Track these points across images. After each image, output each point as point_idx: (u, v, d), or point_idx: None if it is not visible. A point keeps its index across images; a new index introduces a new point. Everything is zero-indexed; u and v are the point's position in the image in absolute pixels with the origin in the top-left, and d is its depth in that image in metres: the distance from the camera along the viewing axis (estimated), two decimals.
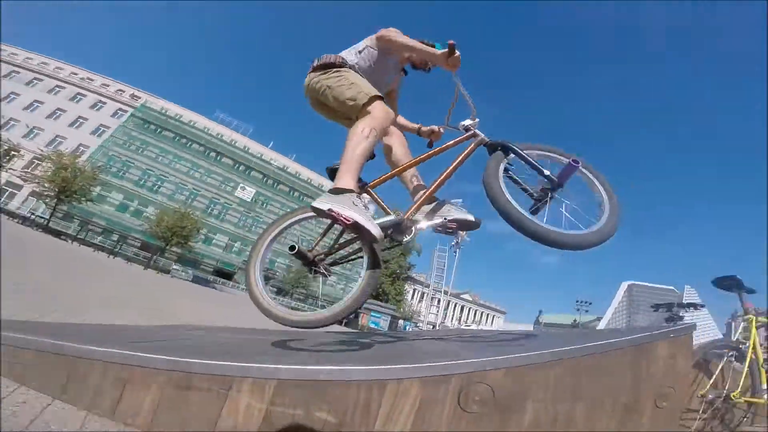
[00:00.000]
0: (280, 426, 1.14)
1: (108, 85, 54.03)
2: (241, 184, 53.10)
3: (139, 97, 54.03)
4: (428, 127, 2.53)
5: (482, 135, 2.01)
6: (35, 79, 49.06)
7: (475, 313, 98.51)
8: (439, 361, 1.24)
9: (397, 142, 2.39)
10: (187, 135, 51.34)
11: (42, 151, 32.05)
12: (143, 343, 1.73)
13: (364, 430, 1.15)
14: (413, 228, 1.84)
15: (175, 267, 35.90)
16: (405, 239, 1.86)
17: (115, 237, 38.64)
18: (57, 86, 49.81)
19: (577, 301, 62.78)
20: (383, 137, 2.34)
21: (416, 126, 2.59)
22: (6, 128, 42.38)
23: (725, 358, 2.85)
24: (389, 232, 1.80)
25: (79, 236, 30.64)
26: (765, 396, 2.78)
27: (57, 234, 29.44)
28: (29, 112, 46.69)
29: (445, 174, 1.95)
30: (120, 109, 51.54)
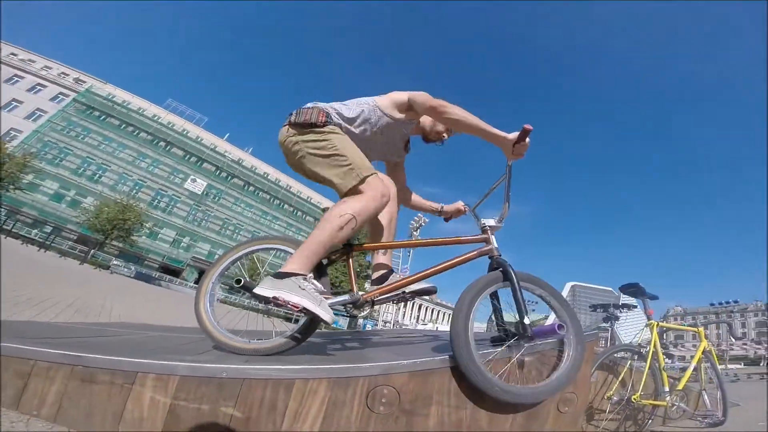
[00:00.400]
0: (186, 419, 1.17)
1: (50, 68, 49.48)
2: (192, 176, 50.77)
3: (84, 82, 50.10)
4: (453, 206, 2.30)
5: (494, 245, 1.75)
6: None
7: (432, 312, 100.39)
8: (346, 363, 1.29)
9: (386, 213, 2.06)
10: (134, 122, 48.45)
11: None
12: (51, 339, 1.71)
13: (271, 428, 1.18)
14: (372, 303, 1.71)
15: (115, 262, 33.66)
16: (361, 314, 1.77)
17: (48, 229, 35.60)
18: None
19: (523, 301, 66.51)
20: None
21: (437, 207, 2.33)
22: None
23: (629, 362, 3.02)
24: (346, 307, 1.68)
25: (5, 227, 27.90)
26: (667, 398, 2.91)
27: None
28: None
29: (433, 270, 1.72)
30: (61, 93, 47.29)
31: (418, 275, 1.75)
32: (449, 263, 1.72)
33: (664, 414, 3.18)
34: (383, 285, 1.76)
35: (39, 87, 46.79)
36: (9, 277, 5.69)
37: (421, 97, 1.85)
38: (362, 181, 1.68)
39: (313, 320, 1.62)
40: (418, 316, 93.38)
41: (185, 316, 8.02)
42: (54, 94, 47.11)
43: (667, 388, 2.96)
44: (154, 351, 1.67)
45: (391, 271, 1.99)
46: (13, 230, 28.29)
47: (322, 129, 1.78)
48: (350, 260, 1.84)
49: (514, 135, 1.62)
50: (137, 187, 46.20)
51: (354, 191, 1.68)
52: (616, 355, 3.08)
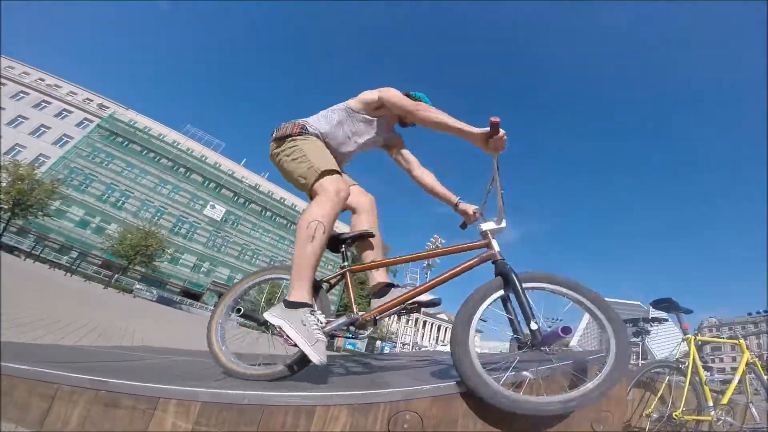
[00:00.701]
0: None
1: (75, 94, 51.07)
2: (211, 203, 51.75)
3: (108, 107, 51.75)
4: (467, 206, 2.12)
5: (496, 249, 1.65)
6: None
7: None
8: (367, 389, 1.26)
9: (363, 220, 2.09)
10: (155, 149, 49.84)
11: None
12: (75, 363, 1.73)
13: None
14: (374, 322, 1.71)
15: (138, 286, 34.38)
16: (364, 335, 1.74)
17: (74, 254, 36.69)
18: (21, 92, 46.25)
19: (547, 319, 65.44)
20: (353, 212, 2.12)
21: (454, 200, 2.17)
22: None
23: (667, 378, 2.93)
24: (349, 329, 1.71)
25: (33, 252, 28.87)
26: (711, 413, 2.81)
27: (10, 250, 27.76)
28: None
29: (434, 282, 1.71)
30: (86, 119, 48.56)
31: (419, 289, 1.73)
32: (450, 273, 1.68)
33: (709, 429, 3.05)
34: (384, 303, 1.74)
35: (65, 113, 47.95)
36: (35, 301, 5.83)
37: (393, 97, 1.95)
38: (319, 177, 1.78)
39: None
40: (437, 338, 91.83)
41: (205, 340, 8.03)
42: (80, 119, 48.31)
43: (710, 403, 2.86)
44: (176, 376, 1.68)
45: (389, 285, 1.94)
46: (41, 255, 29.21)
47: (295, 138, 1.95)
48: (349, 282, 1.85)
49: (485, 129, 1.58)
50: (159, 214, 47.25)
51: (314, 190, 1.80)
52: (652, 371, 2.99)
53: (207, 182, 52.83)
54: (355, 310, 1.72)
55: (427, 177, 2.24)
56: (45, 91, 48.05)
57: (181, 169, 51.16)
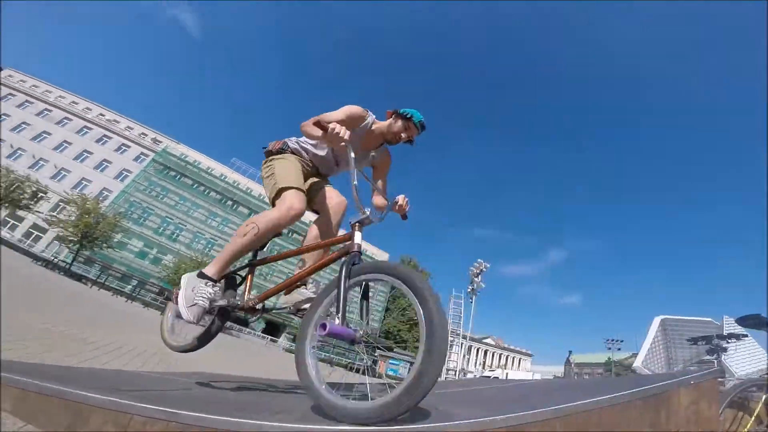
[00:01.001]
0: None
1: (132, 128, 54.23)
2: None
3: (161, 142, 55.11)
4: (393, 201, 2.19)
5: (355, 242, 1.58)
6: (65, 119, 49.32)
7: (499, 357, 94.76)
8: (431, 422, 1.19)
9: (321, 223, 2.26)
10: (205, 182, 52.65)
11: (67, 194, 33.22)
12: (145, 391, 1.80)
13: None
14: (263, 310, 1.95)
15: None
16: (253, 319, 2.04)
17: (134, 282, 39.19)
18: (85, 127, 49.92)
19: (607, 340, 61.27)
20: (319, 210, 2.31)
21: (385, 203, 2.31)
22: (35, 167, 43.47)
23: (763, 397, 2.80)
24: (233, 312, 1.98)
25: (99, 280, 31.05)
26: None
27: (78, 278, 29.95)
28: (58, 152, 46.53)
29: (298, 275, 1.89)
30: (142, 153, 51.77)
31: (287, 281, 1.92)
32: (316, 265, 1.82)
33: None
34: (263, 293, 1.94)
35: (124, 147, 51.30)
36: (101, 327, 6.20)
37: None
38: (278, 193, 1.93)
39: (208, 330, 2.10)
40: (484, 363, 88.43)
41: (257, 365, 8.21)
42: (137, 154, 51.69)
43: None
44: (241, 407, 1.71)
45: (299, 285, 2.08)
46: (105, 283, 31.32)
47: (274, 156, 2.14)
48: (250, 275, 2.16)
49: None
50: (210, 246, 49.58)
51: (273, 204, 1.96)
52: (746, 390, 2.86)
53: (252, 215, 54.74)
54: (245, 297, 1.99)
55: (379, 201, 2.35)
56: (106, 126, 51.28)
57: (229, 202, 53.59)
